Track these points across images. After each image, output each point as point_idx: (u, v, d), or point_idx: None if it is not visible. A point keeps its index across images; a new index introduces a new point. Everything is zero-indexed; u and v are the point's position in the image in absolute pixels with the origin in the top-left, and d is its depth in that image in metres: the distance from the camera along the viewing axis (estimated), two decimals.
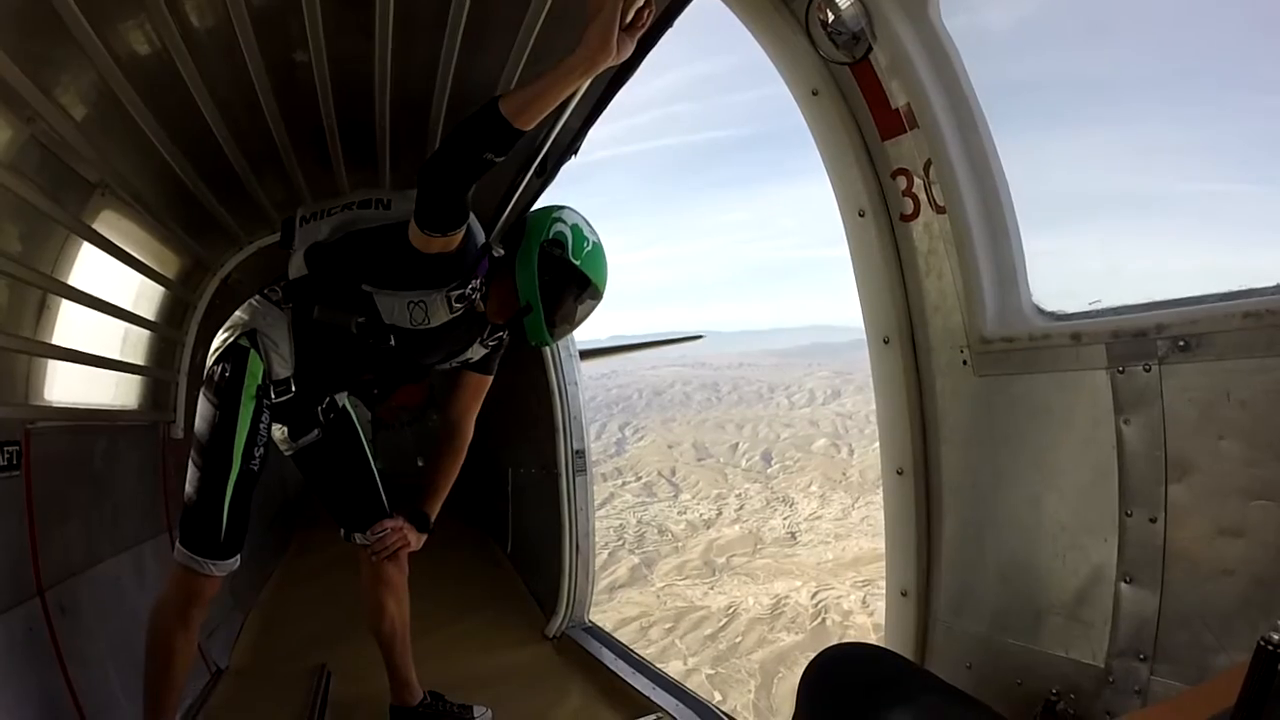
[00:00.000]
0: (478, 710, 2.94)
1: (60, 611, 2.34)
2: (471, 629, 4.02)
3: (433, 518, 2.78)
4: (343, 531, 2.73)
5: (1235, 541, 1.39)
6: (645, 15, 1.69)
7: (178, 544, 2.24)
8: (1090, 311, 1.65)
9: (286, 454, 2.70)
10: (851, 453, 25.42)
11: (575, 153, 2.89)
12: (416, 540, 2.73)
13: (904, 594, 2.05)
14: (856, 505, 20.54)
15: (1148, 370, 1.49)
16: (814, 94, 1.97)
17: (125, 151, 2.44)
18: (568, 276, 2.29)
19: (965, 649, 1.92)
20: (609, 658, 3.50)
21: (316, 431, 2.68)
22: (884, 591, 2.15)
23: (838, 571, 15.37)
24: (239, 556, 2.30)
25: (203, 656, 3.33)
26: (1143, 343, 1.49)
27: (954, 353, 1.90)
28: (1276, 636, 0.80)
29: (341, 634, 3.72)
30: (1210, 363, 1.40)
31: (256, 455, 2.29)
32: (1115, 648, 1.58)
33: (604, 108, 2.49)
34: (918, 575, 2.03)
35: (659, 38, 2.01)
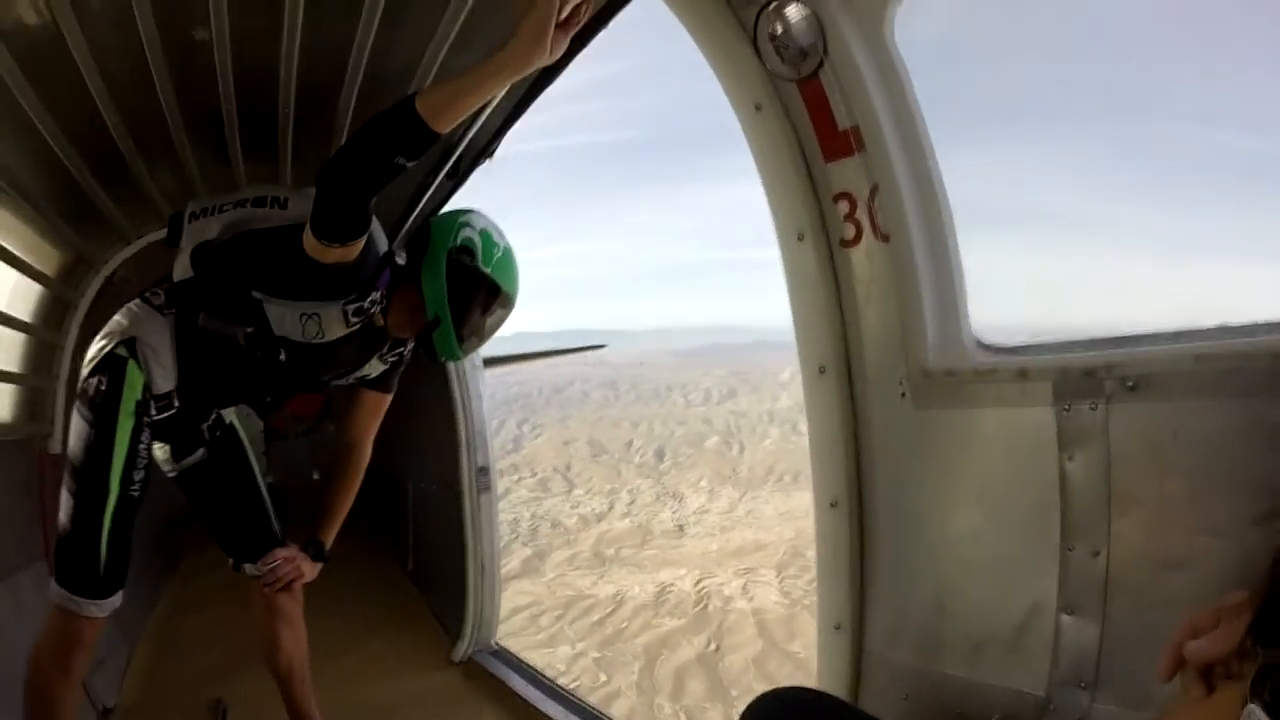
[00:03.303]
0: None
1: None
2: (373, 654, 3.81)
3: (328, 545, 2.56)
4: (232, 562, 2.50)
5: (1177, 574, 1.39)
6: (582, 11, 1.54)
7: (53, 581, 2.01)
8: (1036, 346, 1.65)
9: (169, 475, 2.45)
10: (742, 450, 26.14)
11: (490, 156, 2.71)
12: (311, 570, 2.52)
13: (838, 627, 2.01)
14: (744, 500, 21.24)
15: (1094, 409, 1.48)
16: (757, 109, 1.87)
17: (2, 132, 2.18)
18: (478, 286, 2.13)
19: (901, 680, 1.89)
20: (519, 683, 3.38)
21: (201, 451, 2.45)
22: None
23: (721, 561, 16.00)
24: (121, 593, 2.07)
25: (88, 696, 2.98)
26: (1090, 382, 1.48)
27: (893, 384, 1.86)
28: None
29: (238, 664, 3.42)
30: (1158, 403, 1.40)
31: (137, 479, 2.07)
32: (1056, 676, 1.57)
33: (526, 108, 2.34)
34: (852, 608, 1.99)
35: (592, 37, 1.87)
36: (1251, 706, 0.73)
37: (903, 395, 1.83)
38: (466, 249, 2.12)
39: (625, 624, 12.90)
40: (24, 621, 2.68)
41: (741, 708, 1.50)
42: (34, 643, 2.07)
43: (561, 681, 3.39)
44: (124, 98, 2.22)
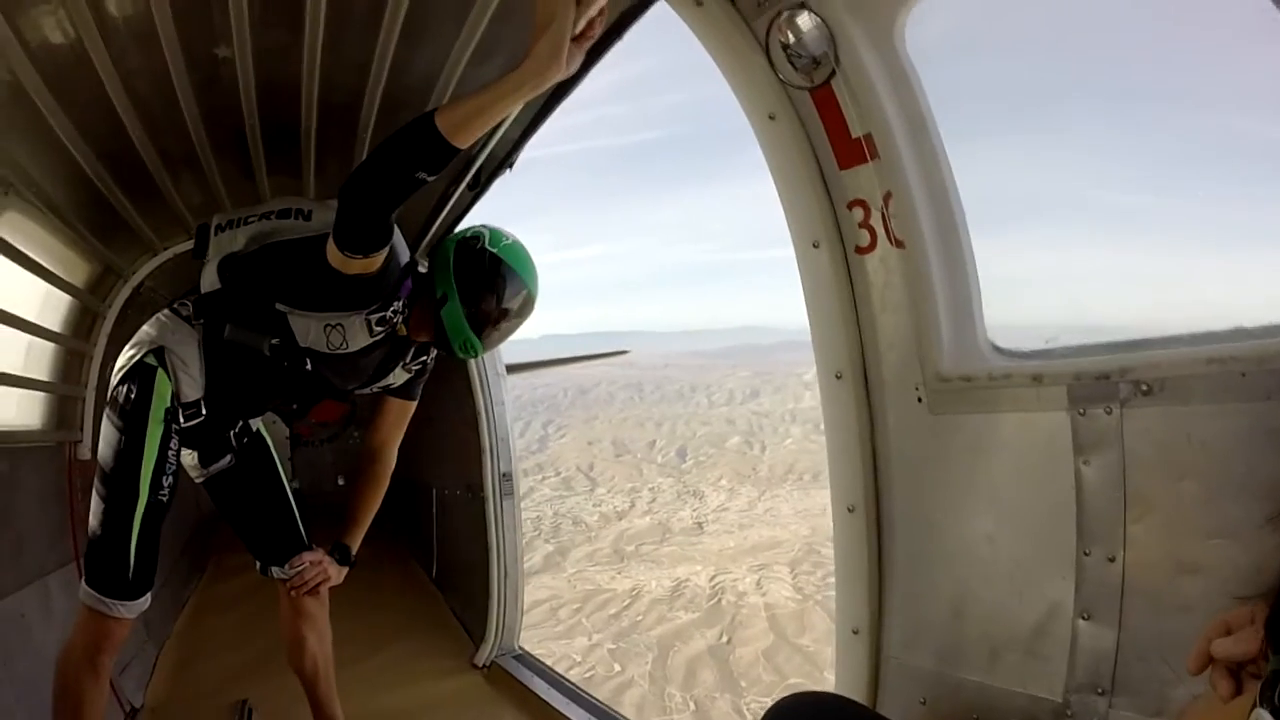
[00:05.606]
0: None
1: None
2: (397, 658, 3.86)
3: (354, 549, 2.62)
4: (259, 565, 2.56)
5: (1194, 578, 1.39)
6: (596, 25, 1.57)
7: (83, 582, 2.07)
8: (1050, 350, 1.65)
9: (197, 481, 2.51)
10: (763, 449, 26.20)
11: (510, 167, 2.75)
12: (337, 575, 2.58)
13: (855, 631, 2.01)
14: (763, 498, 21.28)
15: (1109, 413, 1.48)
16: (771, 118, 1.88)
17: (32, 149, 2.25)
18: (481, 261, 2.15)
19: (918, 685, 1.89)
20: (541, 687, 3.41)
21: (229, 458, 2.50)
22: (833, 626, 2.12)
23: (737, 557, 16.10)
24: (149, 594, 2.13)
25: (116, 695, 3.06)
26: (1105, 386, 1.47)
27: (908, 389, 1.86)
28: None
29: (263, 666, 3.51)
30: (1172, 406, 1.39)
31: (166, 485, 2.13)
32: (1073, 682, 1.57)
33: (544, 120, 2.37)
34: (869, 613, 1.99)
35: (608, 49, 1.90)
36: (1260, 711, 0.73)
37: (919, 400, 1.84)
38: (474, 236, 2.19)
39: (641, 617, 13.15)
40: (53, 623, 2.75)
41: (750, 699, 1.53)
42: (66, 641, 2.14)
43: (575, 672, 3.43)
44: (149, 114, 2.27)
